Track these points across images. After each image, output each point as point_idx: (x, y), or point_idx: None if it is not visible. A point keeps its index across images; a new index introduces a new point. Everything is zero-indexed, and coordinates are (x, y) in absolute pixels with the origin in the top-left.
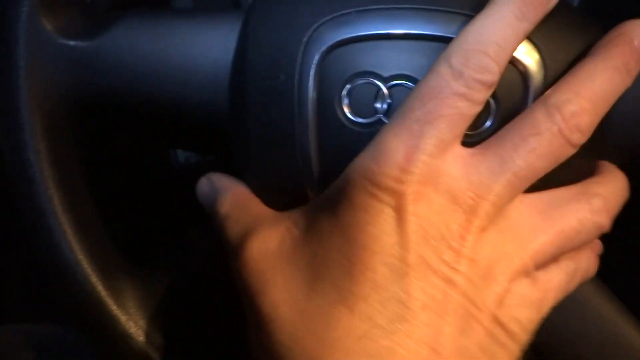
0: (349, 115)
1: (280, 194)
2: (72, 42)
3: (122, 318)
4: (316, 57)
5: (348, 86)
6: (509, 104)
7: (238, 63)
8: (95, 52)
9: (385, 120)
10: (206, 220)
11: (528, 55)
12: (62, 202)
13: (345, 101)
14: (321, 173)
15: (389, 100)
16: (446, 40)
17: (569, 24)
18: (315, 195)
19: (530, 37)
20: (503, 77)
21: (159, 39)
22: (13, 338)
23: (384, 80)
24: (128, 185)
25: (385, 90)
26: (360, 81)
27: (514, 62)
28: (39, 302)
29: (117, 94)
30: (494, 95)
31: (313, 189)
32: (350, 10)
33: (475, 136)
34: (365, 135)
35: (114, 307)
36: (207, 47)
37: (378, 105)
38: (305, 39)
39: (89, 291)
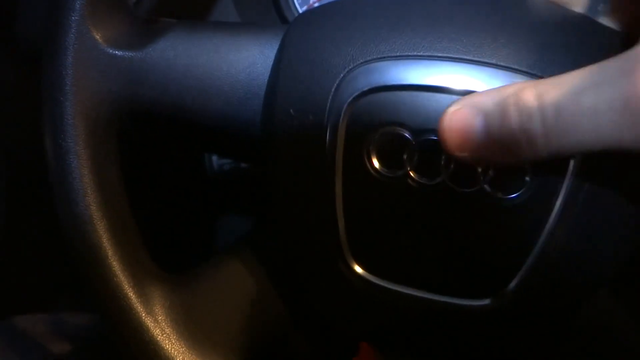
0: (377, 166)
1: (303, 237)
2: (119, 52)
3: (150, 325)
4: (346, 103)
5: (377, 136)
6: (544, 169)
7: (270, 91)
8: (142, 63)
9: (413, 175)
10: (237, 230)
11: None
12: (99, 208)
13: (373, 151)
14: (346, 222)
15: (418, 155)
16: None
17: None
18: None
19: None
20: None
21: (203, 53)
22: (43, 327)
23: (414, 133)
24: (162, 191)
25: (415, 144)
26: (390, 132)
27: None
28: (71, 291)
29: (159, 104)
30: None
31: (335, 234)
32: (385, 56)
33: (511, 200)
34: (391, 188)
35: (143, 314)
36: (249, 63)
37: (406, 158)
38: (337, 82)
39: (120, 297)
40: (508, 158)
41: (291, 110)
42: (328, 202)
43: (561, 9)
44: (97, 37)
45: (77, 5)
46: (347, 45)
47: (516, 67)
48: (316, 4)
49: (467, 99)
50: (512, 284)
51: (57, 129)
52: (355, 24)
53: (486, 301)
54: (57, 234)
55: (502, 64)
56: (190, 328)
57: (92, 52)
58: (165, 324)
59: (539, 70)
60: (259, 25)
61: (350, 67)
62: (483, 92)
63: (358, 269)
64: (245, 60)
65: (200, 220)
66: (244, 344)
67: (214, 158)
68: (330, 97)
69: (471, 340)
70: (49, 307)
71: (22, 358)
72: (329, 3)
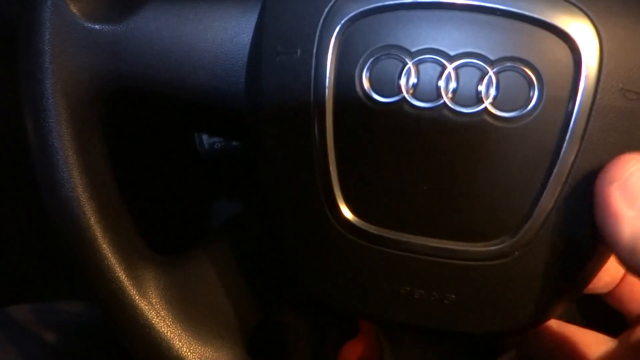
0: (370, 93)
1: (293, 179)
2: (98, 26)
3: (145, 308)
4: (336, 30)
5: (370, 61)
6: (556, 82)
7: (255, 40)
8: (122, 37)
9: (410, 100)
10: (230, 210)
11: (578, 28)
12: (86, 189)
13: (366, 77)
14: (338, 154)
15: (415, 78)
16: (483, 10)
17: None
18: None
19: (581, 6)
20: (549, 52)
21: (186, 24)
22: (39, 316)
23: (411, 55)
24: (152, 172)
25: (411, 66)
26: (384, 56)
27: (562, 36)
28: (67, 279)
29: (143, 78)
30: (537, 73)
31: (327, 171)
32: None
33: (519, 120)
34: (387, 115)
35: (136, 297)
36: (235, 32)
37: (402, 82)
38: (326, 9)
39: (112, 280)
40: None
41: (278, 47)
42: (318, 139)
43: None
44: (75, 10)
45: None
46: None
47: None
48: None
49: None
50: (531, 219)
51: (38, 108)
52: None
53: (503, 243)
54: (46, 220)
55: None
56: (185, 309)
57: (70, 27)
58: (159, 306)
59: None
60: None
61: None
62: None
63: (351, 216)
64: (231, 30)
65: (191, 200)
66: (239, 323)
67: (204, 137)
68: (319, 27)
69: (484, 293)
70: (45, 296)
71: (18, 347)
72: None
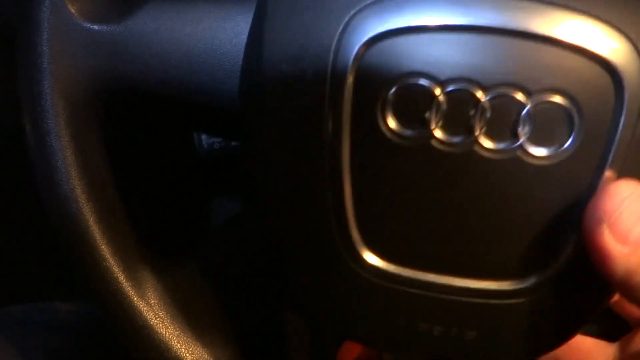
0: (393, 126)
1: (304, 219)
2: (96, 27)
3: (143, 309)
4: (354, 51)
5: (393, 89)
6: (596, 116)
7: (252, 48)
8: (121, 37)
9: (438, 134)
10: (230, 210)
11: (619, 52)
12: (85, 190)
13: (389, 107)
14: (355, 192)
15: (444, 110)
16: (518, 35)
17: None
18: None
19: (620, 27)
20: (590, 83)
21: (185, 24)
22: (39, 316)
23: (440, 84)
24: (151, 172)
25: (440, 97)
26: (409, 84)
27: (601, 62)
28: (68, 279)
29: (142, 79)
30: (577, 106)
31: (343, 209)
32: None
33: (554, 157)
34: (411, 150)
35: (135, 298)
36: (235, 33)
37: (430, 114)
38: (341, 26)
39: (111, 281)
40: None
41: (283, 66)
42: (332, 174)
43: None
44: (73, 10)
45: None
46: None
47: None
48: None
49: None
50: (560, 257)
51: (36, 109)
52: None
53: (530, 281)
54: (45, 220)
55: (557, 1)
56: (184, 311)
57: (69, 27)
58: (158, 307)
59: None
60: None
61: (358, 7)
62: None
63: (371, 257)
64: (230, 31)
65: (191, 200)
66: (238, 324)
67: (204, 137)
68: (333, 46)
69: (507, 328)
70: (44, 296)
71: (18, 348)
72: None
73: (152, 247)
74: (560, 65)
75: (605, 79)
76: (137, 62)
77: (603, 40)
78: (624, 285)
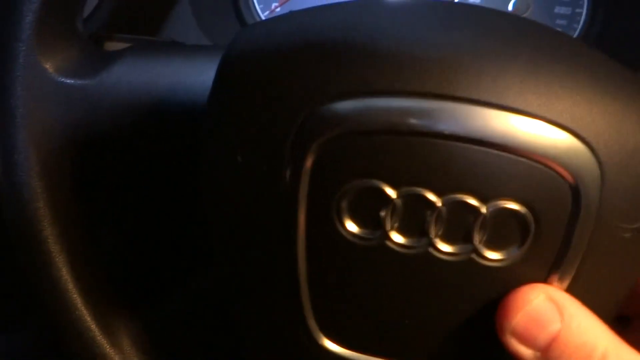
0: (349, 226)
1: (262, 304)
2: (71, 81)
3: (116, 357)
4: (310, 151)
5: (349, 191)
6: (552, 222)
7: (206, 134)
8: (95, 91)
9: (393, 237)
10: (204, 262)
11: (577, 158)
12: (57, 241)
13: (345, 209)
14: (311, 285)
15: (399, 213)
16: (476, 142)
17: (623, 109)
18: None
19: (579, 132)
20: (547, 191)
21: (158, 78)
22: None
23: (396, 189)
24: (128, 216)
25: (396, 201)
26: (366, 187)
27: (557, 169)
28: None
29: (117, 133)
30: (532, 212)
31: (300, 302)
32: (362, 90)
33: (508, 259)
34: (366, 250)
35: (107, 347)
36: (208, 86)
37: (384, 216)
38: (298, 122)
39: (83, 330)
40: None
41: (238, 157)
42: (288, 270)
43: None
44: (47, 66)
45: (24, 35)
46: (306, 77)
47: (504, 104)
48: (278, 10)
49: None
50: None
51: (9, 162)
52: (323, 45)
53: None
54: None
55: (512, 106)
56: (158, 354)
57: (43, 83)
58: (132, 353)
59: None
60: (217, 45)
61: (315, 104)
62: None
63: (329, 344)
64: (204, 84)
65: (165, 249)
66: None
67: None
68: (288, 145)
69: None
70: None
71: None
72: (287, 14)
73: (125, 294)
74: (516, 173)
75: (562, 185)
76: (110, 116)
77: (560, 146)
78: None
